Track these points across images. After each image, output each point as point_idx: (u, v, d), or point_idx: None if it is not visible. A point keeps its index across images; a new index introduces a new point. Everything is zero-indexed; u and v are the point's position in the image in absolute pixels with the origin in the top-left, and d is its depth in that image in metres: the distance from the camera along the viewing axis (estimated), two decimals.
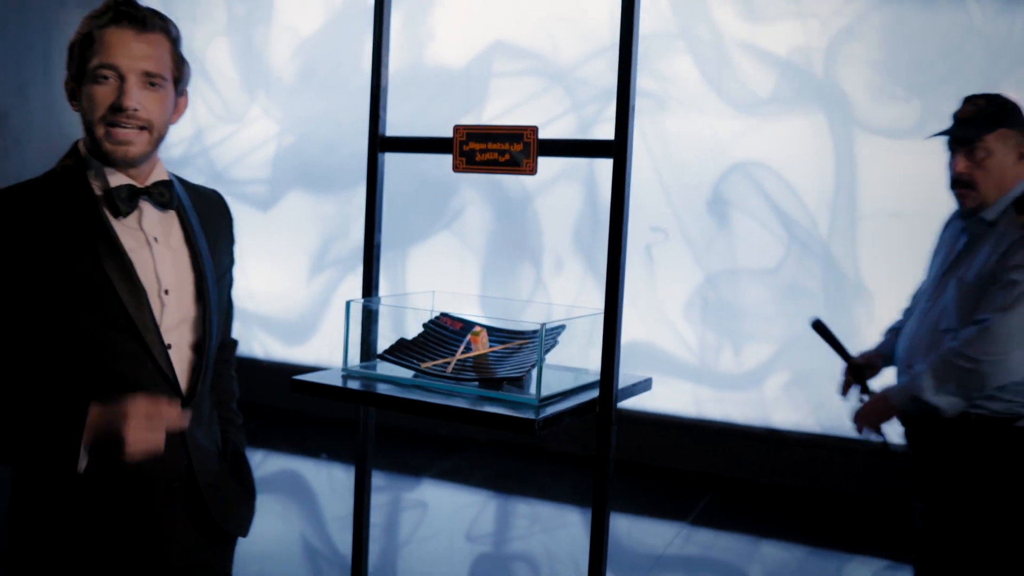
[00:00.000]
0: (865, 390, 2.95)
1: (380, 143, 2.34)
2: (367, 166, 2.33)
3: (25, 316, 1.66)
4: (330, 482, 5.23)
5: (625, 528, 4.60)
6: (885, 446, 2.88)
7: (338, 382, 2.16)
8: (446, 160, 2.17)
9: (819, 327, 3.00)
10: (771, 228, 5.10)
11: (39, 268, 1.66)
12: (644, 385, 2.29)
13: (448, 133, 2.17)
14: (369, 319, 2.33)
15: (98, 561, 1.75)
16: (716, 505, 4.93)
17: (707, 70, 5.17)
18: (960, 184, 2.69)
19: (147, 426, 1.58)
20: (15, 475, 1.80)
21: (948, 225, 2.95)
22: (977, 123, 2.65)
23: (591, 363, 2.17)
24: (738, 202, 5.15)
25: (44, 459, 1.63)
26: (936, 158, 4.85)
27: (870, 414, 2.80)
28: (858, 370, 2.95)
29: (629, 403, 5.07)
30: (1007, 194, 2.67)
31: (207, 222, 1.88)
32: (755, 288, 5.12)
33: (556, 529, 4.65)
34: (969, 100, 2.72)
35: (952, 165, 2.71)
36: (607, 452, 2.04)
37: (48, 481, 1.74)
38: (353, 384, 2.17)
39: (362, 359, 2.30)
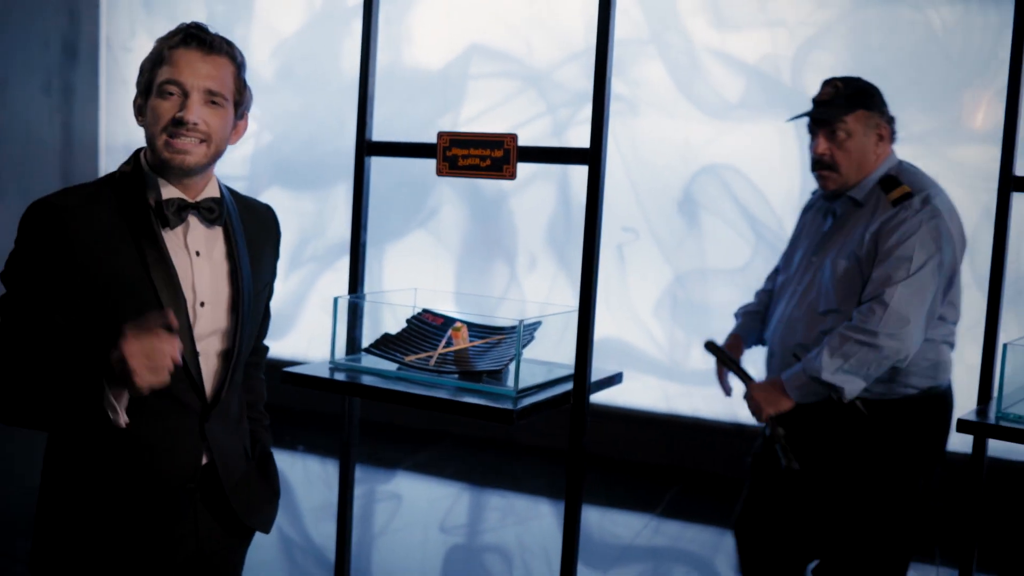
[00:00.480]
0: (743, 375, 2.84)
1: (367, 147, 2.46)
2: (355, 169, 2.44)
3: (67, 311, 1.73)
4: (306, 474, 5.32)
5: (595, 520, 4.71)
6: (777, 438, 2.71)
7: (325, 374, 2.29)
8: (422, 160, 2.29)
9: (711, 348, 2.95)
10: (739, 229, 5.24)
11: (89, 267, 1.74)
12: (615, 379, 2.42)
13: (427, 133, 2.29)
14: (355, 315, 2.44)
15: (121, 555, 1.84)
16: (684, 497, 5.04)
17: (678, 76, 5.30)
18: (821, 166, 2.69)
19: (149, 364, 1.62)
20: (44, 473, 1.89)
21: (809, 208, 2.94)
22: (836, 105, 2.66)
23: (564, 358, 2.29)
24: (707, 204, 5.29)
25: (82, 419, 1.70)
26: None
27: (763, 400, 2.67)
28: (731, 359, 2.90)
29: (600, 398, 5.19)
30: (871, 174, 2.69)
31: (253, 237, 1.95)
32: (723, 287, 5.25)
33: (528, 521, 4.75)
34: (828, 83, 2.72)
35: (813, 147, 2.71)
36: (580, 441, 2.16)
37: (75, 468, 1.83)
38: (340, 376, 2.29)
39: (347, 352, 2.42)
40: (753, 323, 3.01)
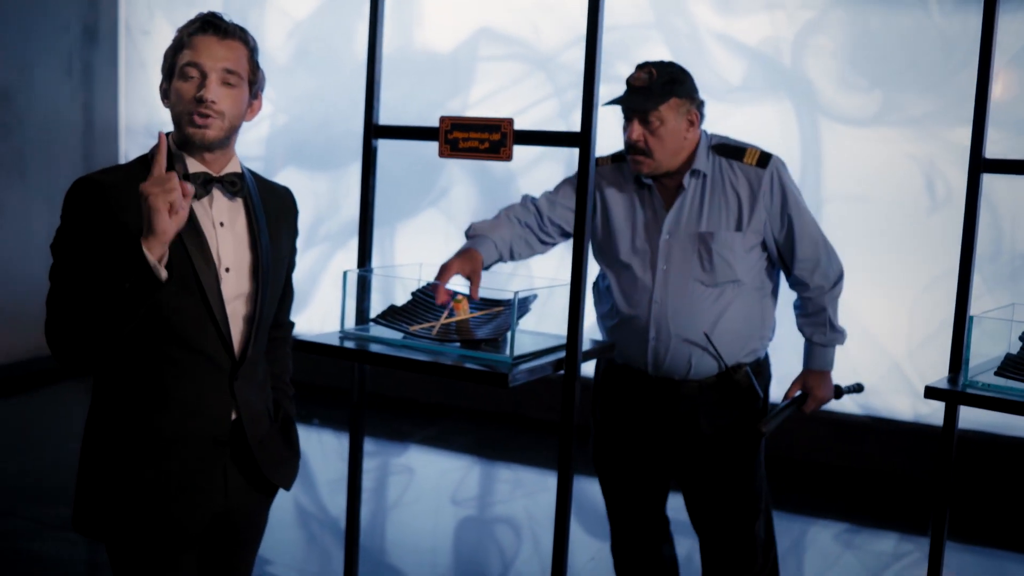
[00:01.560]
0: (795, 402, 2.90)
1: (374, 131, 2.60)
2: (363, 151, 2.58)
3: (112, 276, 1.86)
4: (322, 447, 5.47)
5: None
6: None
7: (335, 342, 2.44)
8: (432, 143, 2.44)
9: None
10: None
11: (127, 236, 1.88)
12: (608, 349, 2.56)
13: (437, 115, 2.43)
14: (363, 288, 2.59)
15: (156, 506, 2.00)
16: None
17: (682, 59, 5.38)
18: (635, 151, 2.73)
19: (161, 190, 1.79)
20: (89, 417, 2.06)
21: (599, 168, 2.92)
22: (650, 92, 2.69)
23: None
24: None
25: (133, 294, 1.82)
26: (894, 145, 5.12)
27: (825, 393, 2.88)
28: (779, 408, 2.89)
29: None
30: (695, 152, 2.75)
31: (272, 214, 2.13)
32: None
33: (537, 493, 4.86)
34: (642, 67, 2.74)
35: (627, 132, 2.74)
36: (572, 407, 2.30)
37: (115, 425, 2.00)
38: (349, 344, 2.44)
39: (356, 323, 2.57)
40: (492, 248, 2.86)
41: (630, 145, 2.73)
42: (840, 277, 2.83)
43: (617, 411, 2.91)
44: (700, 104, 2.78)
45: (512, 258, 2.95)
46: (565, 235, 2.98)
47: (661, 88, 2.68)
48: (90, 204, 1.92)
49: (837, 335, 2.86)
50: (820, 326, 2.84)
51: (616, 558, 3.07)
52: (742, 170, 2.74)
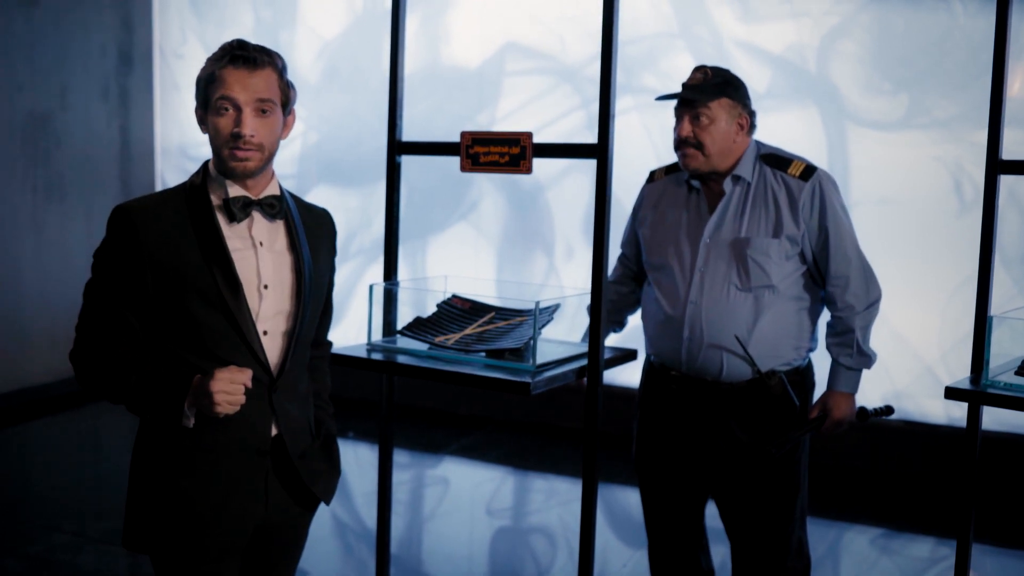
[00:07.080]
0: (815, 423, 2.86)
1: (397, 147, 2.66)
2: (387, 167, 2.63)
3: (140, 304, 2.01)
4: (357, 460, 5.53)
5: (635, 500, 4.85)
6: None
7: (363, 354, 2.49)
8: (458, 158, 2.49)
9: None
10: None
11: (158, 260, 2.00)
12: (631, 355, 2.60)
13: (459, 135, 2.48)
14: (389, 300, 2.65)
15: (201, 511, 2.07)
16: None
17: None
18: (686, 144, 2.76)
19: (229, 388, 1.93)
20: (138, 436, 2.14)
21: (656, 195, 2.98)
22: (703, 90, 2.74)
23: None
24: None
25: (158, 416, 2.01)
26: (921, 148, 5.12)
27: (847, 414, 2.83)
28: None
29: (636, 382, 5.33)
30: (742, 157, 2.78)
31: (312, 234, 2.20)
32: None
33: (571, 503, 4.87)
34: (698, 69, 2.81)
35: (677, 130, 2.78)
36: (595, 410, 2.34)
37: (163, 441, 2.08)
38: (376, 356, 2.49)
39: (384, 335, 2.62)
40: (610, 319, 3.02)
41: (680, 141, 2.78)
42: (875, 302, 2.80)
43: (656, 414, 2.94)
44: (752, 113, 2.82)
45: (623, 322, 3.07)
46: None
47: (714, 88, 2.74)
48: (123, 231, 2.02)
49: (865, 359, 2.82)
50: (847, 347, 2.81)
51: (653, 566, 3.09)
52: (784, 180, 2.77)
